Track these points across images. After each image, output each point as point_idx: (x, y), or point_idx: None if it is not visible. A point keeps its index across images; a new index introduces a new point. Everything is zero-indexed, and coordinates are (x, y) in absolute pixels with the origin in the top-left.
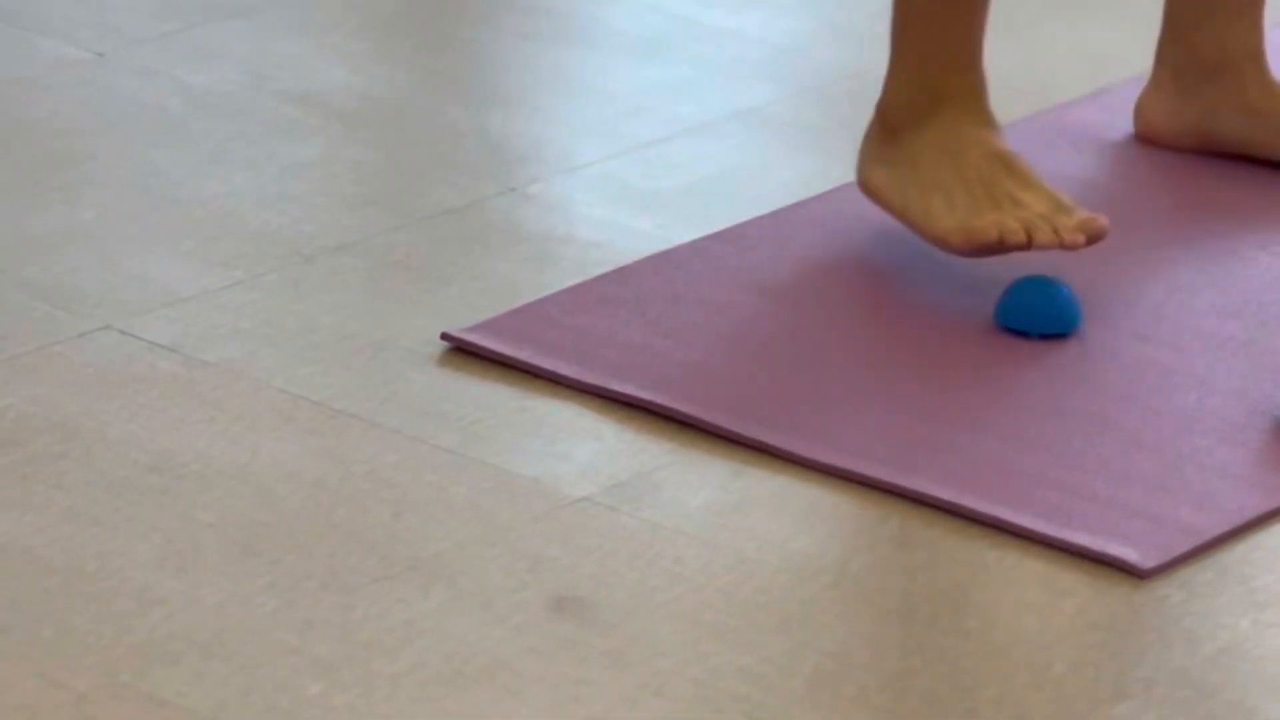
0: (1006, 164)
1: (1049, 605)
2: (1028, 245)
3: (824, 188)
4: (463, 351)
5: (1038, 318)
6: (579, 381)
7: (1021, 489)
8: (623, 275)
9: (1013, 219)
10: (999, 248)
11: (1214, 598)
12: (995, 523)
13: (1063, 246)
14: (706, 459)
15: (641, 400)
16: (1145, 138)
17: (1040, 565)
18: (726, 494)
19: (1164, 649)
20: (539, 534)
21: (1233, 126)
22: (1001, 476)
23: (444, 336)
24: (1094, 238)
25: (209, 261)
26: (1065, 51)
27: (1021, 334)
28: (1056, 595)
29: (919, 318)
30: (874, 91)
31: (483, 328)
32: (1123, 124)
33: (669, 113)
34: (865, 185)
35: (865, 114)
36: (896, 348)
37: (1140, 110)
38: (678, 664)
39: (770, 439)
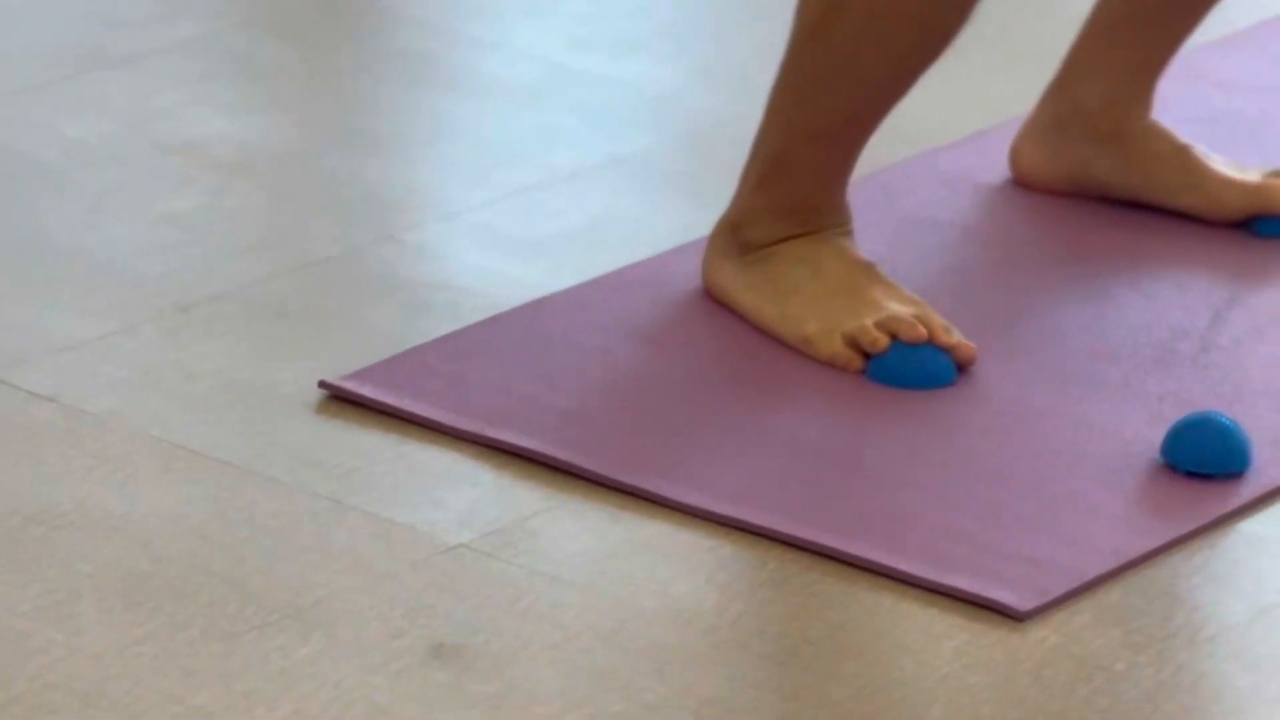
0: (868, 273)
1: (927, 648)
2: (893, 340)
3: (699, 234)
4: (340, 399)
5: (913, 375)
6: (456, 428)
7: (899, 533)
8: (499, 322)
9: (872, 325)
10: (859, 365)
11: (1091, 639)
12: (872, 567)
13: (933, 340)
14: (584, 505)
15: (518, 447)
16: (1021, 181)
17: (918, 609)
18: (604, 540)
19: (1041, 691)
20: (417, 581)
21: (1112, 172)
22: (878, 520)
23: (322, 384)
24: (964, 358)
25: (87, 311)
26: (939, 96)
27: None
28: (934, 638)
29: (796, 364)
30: (748, 137)
31: (360, 375)
32: (998, 167)
33: (545, 160)
34: (714, 285)
35: (739, 160)
36: (773, 393)
37: (1016, 154)
38: (556, 710)
39: (647, 485)
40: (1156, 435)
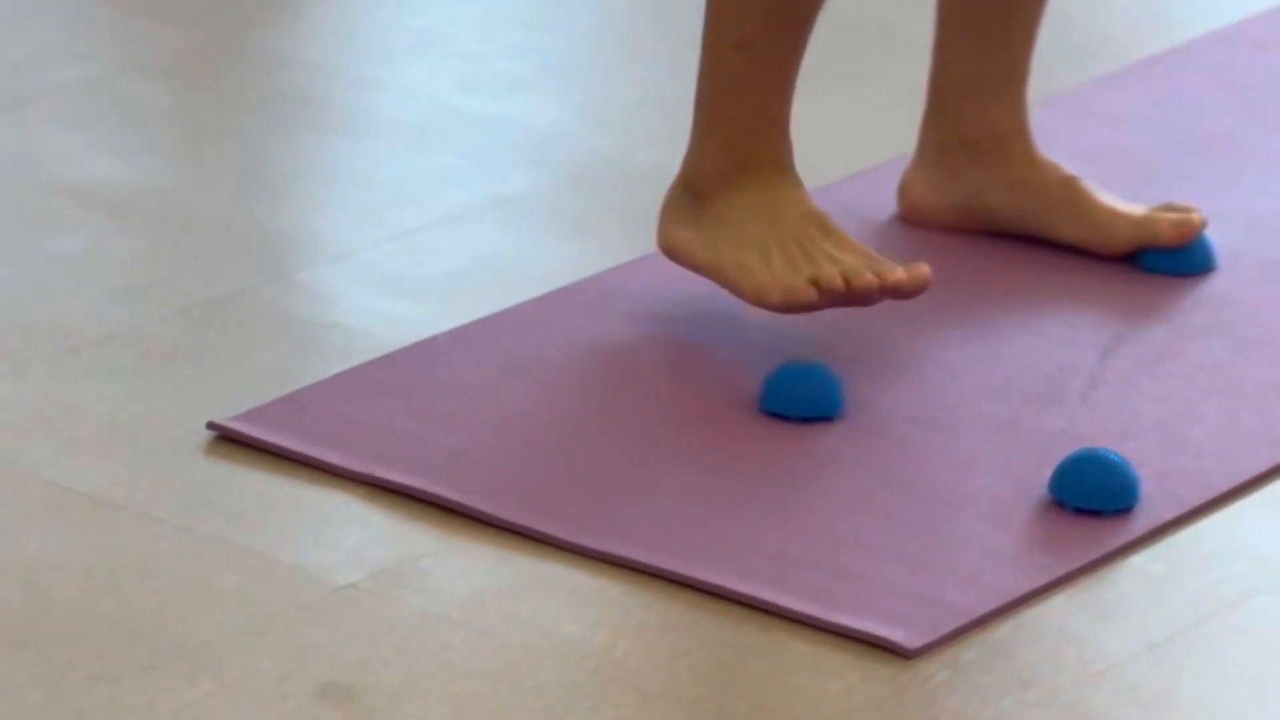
0: (821, 224)
1: (816, 687)
2: (846, 290)
3: (586, 273)
4: (230, 440)
5: (801, 402)
6: (345, 469)
7: (787, 571)
8: (388, 362)
9: (830, 271)
10: (819, 301)
11: (979, 676)
12: (761, 605)
13: (885, 288)
14: (473, 545)
15: (408, 487)
16: (909, 217)
17: (806, 647)
18: (493, 579)
19: None
20: (306, 621)
21: (1000, 202)
22: (766, 559)
23: (210, 425)
24: (918, 283)
25: None
26: (825, 131)
27: (785, 418)
28: (823, 677)
29: (683, 402)
30: (634, 177)
31: (249, 416)
32: (885, 203)
33: (433, 200)
34: (671, 247)
35: (626, 200)
36: (660, 432)
37: (904, 189)
38: None
39: (536, 524)
40: (1045, 472)
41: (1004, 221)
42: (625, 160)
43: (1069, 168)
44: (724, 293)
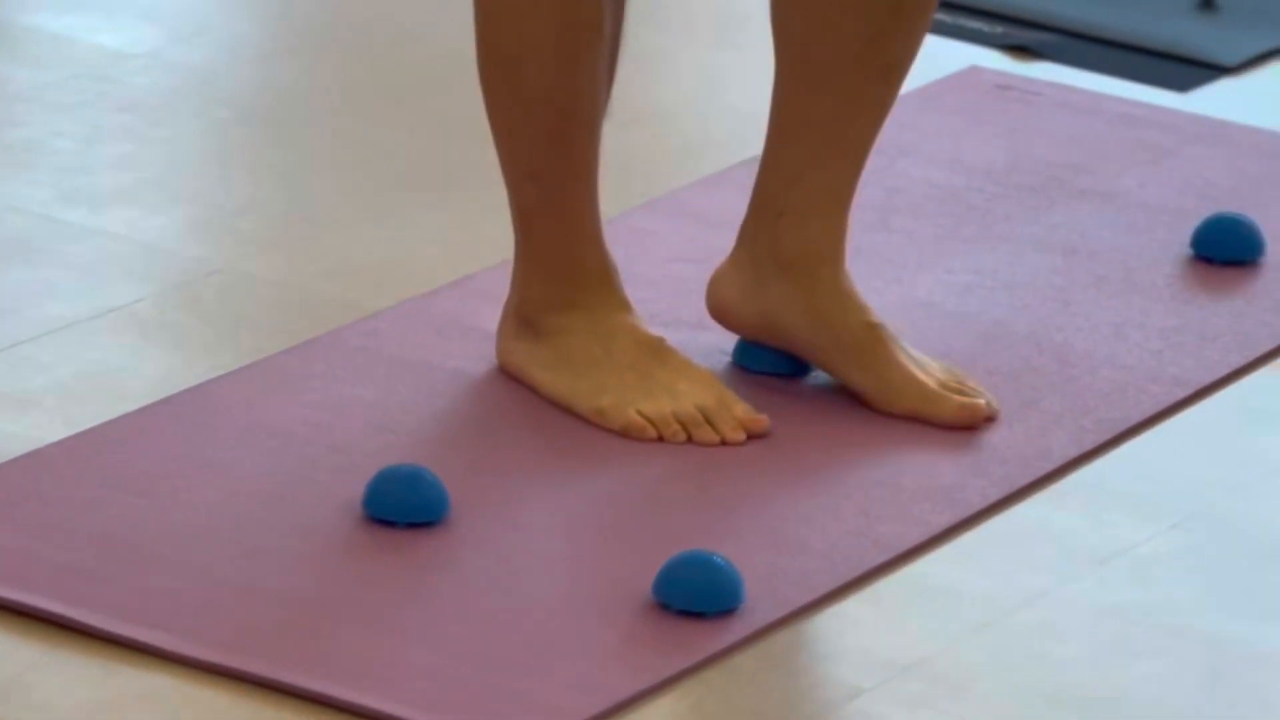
0: (658, 352)
1: None
2: (688, 442)
3: (191, 383)
4: None
5: (405, 507)
6: None
7: (392, 677)
8: None
9: (671, 416)
10: (654, 436)
11: None
12: (366, 712)
13: (724, 443)
14: (80, 658)
15: (12, 601)
16: (716, 315)
17: None
18: (99, 692)
19: None
20: None
21: (796, 327)
22: (373, 665)
23: None
24: (755, 434)
25: None
26: (428, 238)
27: (390, 523)
28: None
29: (288, 509)
30: (238, 288)
31: None
32: (487, 311)
33: (36, 313)
34: (508, 364)
35: (230, 309)
36: (266, 540)
37: (714, 286)
38: None
39: (142, 636)
40: (650, 574)
41: (798, 347)
42: (229, 269)
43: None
44: (325, 400)
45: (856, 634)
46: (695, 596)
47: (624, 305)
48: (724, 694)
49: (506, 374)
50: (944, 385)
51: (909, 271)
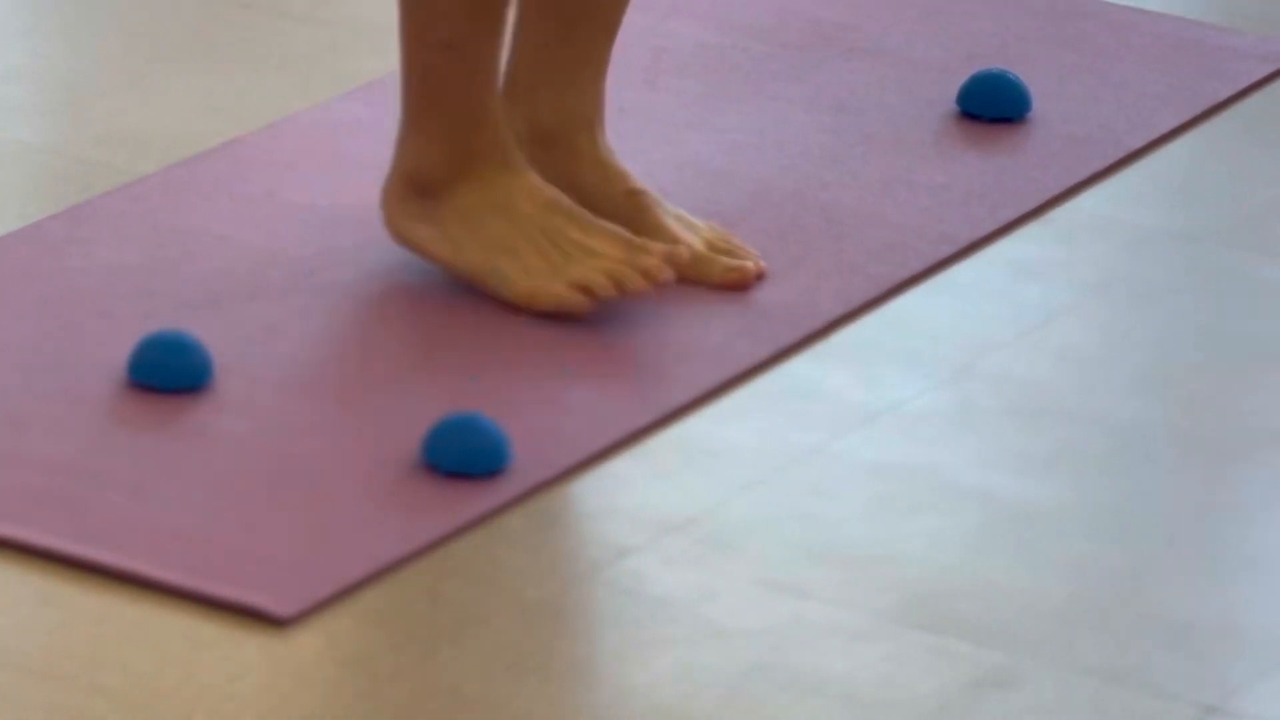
0: (564, 211)
1: (190, 658)
2: (620, 296)
3: None
4: None
5: (169, 372)
6: None
7: (159, 544)
8: None
9: (597, 274)
10: (591, 306)
11: (354, 642)
12: (134, 578)
13: (657, 287)
14: None
15: None
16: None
17: (181, 619)
18: None
19: (307, 695)
20: None
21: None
22: (139, 533)
23: None
24: (680, 268)
25: None
26: (194, 104)
27: (155, 389)
28: (198, 648)
29: (50, 375)
30: (5, 152)
31: None
32: (253, 175)
33: None
34: (407, 241)
35: None
36: (30, 407)
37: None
38: None
39: None
40: (417, 437)
41: None
42: None
43: (637, 179)
44: (91, 266)
45: (625, 494)
46: (462, 458)
47: (522, 167)
48: (491, 555)
49: (406, 248)
50: (711, 246)
51: (677, 130)
